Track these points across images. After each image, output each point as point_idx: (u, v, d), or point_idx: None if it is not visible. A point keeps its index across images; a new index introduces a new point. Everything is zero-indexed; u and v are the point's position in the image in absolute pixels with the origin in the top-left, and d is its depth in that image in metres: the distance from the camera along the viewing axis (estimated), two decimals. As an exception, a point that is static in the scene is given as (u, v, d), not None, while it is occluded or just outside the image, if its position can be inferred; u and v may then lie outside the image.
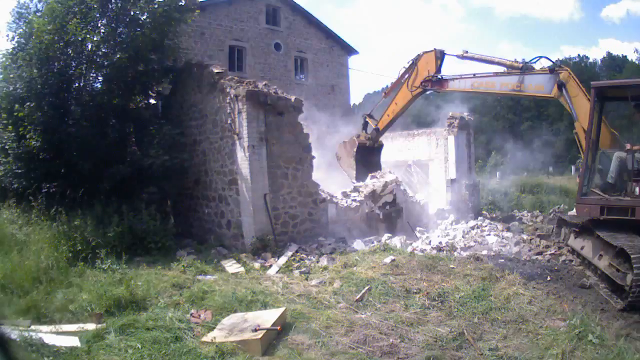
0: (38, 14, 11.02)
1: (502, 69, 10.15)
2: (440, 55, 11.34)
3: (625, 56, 51.12)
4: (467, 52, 10.95)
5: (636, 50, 69.57)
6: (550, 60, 9.29)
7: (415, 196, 14.18)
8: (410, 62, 11.86)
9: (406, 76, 11.91)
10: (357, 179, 13.15)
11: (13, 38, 11.17)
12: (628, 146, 7.36)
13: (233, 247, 10.61)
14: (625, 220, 7.26)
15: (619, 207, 7.25)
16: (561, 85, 8.80)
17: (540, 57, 9.65)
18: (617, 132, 8.52)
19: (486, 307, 6.26)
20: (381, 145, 13.86)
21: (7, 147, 10.76)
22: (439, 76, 11.21)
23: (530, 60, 9.63)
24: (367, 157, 13.49)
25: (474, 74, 10.59)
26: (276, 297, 6.94)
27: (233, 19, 18.32)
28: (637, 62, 42.59)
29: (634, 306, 6.09)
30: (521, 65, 9.62)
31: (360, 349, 5.10)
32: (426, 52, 11.59)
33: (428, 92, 12.08)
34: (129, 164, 10.67)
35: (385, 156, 20.43)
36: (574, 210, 12.04)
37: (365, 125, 13.41)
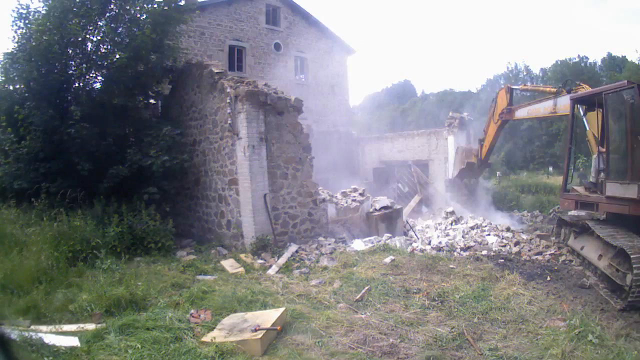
0: (38, 14, 11.01)
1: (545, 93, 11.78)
2: (509, 90, 13.30)
3: (625, 56, 51.08)
4: (524, 84, 13.60)
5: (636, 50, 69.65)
6: (575, 82, 10.76)
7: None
8: (493, 101, 13.98)
9: (493, 111, 13.84)
10: (452, 181, 15.68)
11: (13, 38, 11.16)
12: (600, 149, 8.22)
13: (233, 247, 10.61)
14: (624, 219, 7.31)
15: (588, 202, 8.34)
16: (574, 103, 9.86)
17: (569, 80, 11.42)
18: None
19: (486, 307, 6.25)
20: (485, 166, 15.36)
21: (6, 147, 10.75)
22: (509, 108, 13.13)
23: (563, 84, 11.13)
24: (472, 171, 15.28)
25: (529, 103, 12.52)
26: (276, 297, 6.93)
27: (233, 19, 18.31)
28: (637, 62, 42.54)
29: (633, 306, 6.10)
30: (555, 90, 11.11)
31: (360, 349, 5.10)
32: (501, 89, 13.78)
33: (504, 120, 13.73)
34: (129, 164, 10.67)
35: (386, 156, 20.53)
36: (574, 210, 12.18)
37: (480, 146, 14.79)
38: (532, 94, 14.68)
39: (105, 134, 10.97)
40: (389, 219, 12.32)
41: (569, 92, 10.37)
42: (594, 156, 8.63)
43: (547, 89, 11.74)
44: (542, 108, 11.58)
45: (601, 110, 8.34)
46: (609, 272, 6.89)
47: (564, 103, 10.58)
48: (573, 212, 8.87)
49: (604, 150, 8.11)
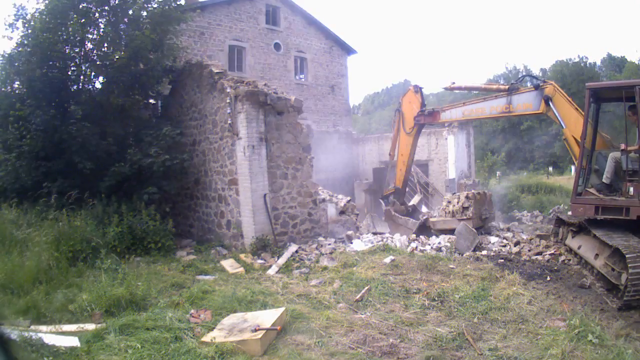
0: (38, 13, 11.01)
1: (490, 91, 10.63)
2: (417, 90, 11.86)
3: (625, 56, 51.11)
4: (454, 83, 11.28)
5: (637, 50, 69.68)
6: (536, 78, 9.70)
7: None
8: (396, 112, 12.51)
9: (399, 126, 12.39)
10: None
11: (13, 37, 11.17)
12: (622, 146, 7.42)
13: (233, 247, 10.62)
14: (620, 220, 7.31)
15: (614, 206, 7.33)
16: (548, 100, 9.10)
17: (524, 75, 10.18)
18: (617, 132, 8.63)
19: (486, 307, 6.25)
20: (413, 207, 14.03)
21: (9, 142, 10.73)
22: (431, 109, 11.59)
23: (515, 81, 10.11)
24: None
25: (464, 102, 10.99)
26: (276, 297, 6.94)
27: (233, 19, 18.30)
28: (637, 62, 42.58)
29: (629, 305, 6.10)
30: (507, 87, 10.00)
31: (360, 349, 5.10)
32: (403, 95, 12.30)
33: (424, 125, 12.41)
34: (130, 164, 10.67)
35: (386, 156, 20.50)
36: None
37: (387, 197, 13.41)
38: (466, 94, 13.66)
39: (105, 133, 10.98)
40: (390, 217, 12.34)
41: (537, 87, 9.36)
42: (610, 154, 7.68)
43: (493, 87, 10.52)
44: (489, 107, 10.35)
45: (626, 104, 7.46)
46: (604, 271, 6.89)
47: (524, 101, 9.66)
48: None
49: (634, 148, 7.29)
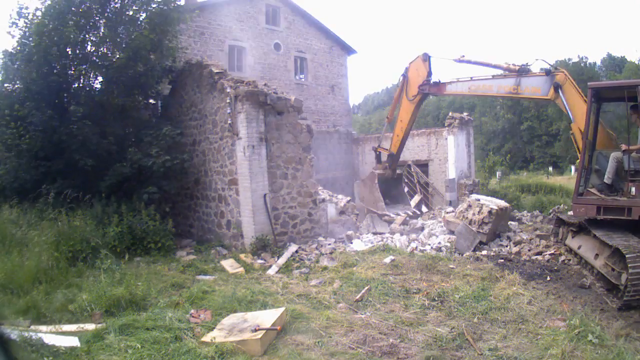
0: (38, 14, 11.02)
1: (499, 71, 10.20)
2: (426, 58, 11.47)
3: (625, 56, 51.09)
4: (463, 56, 10.96)
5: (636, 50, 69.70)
6: (547, 63, 9.36)
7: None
8: (401, 77, 12.07)
9: (402, 91, 12.03)
10: (388, 209, 13.17)
11: (13, 37, 11.17)
12: (624, 147, 7.38)
13: (233, 247, 10.62)
14: (620, 220, 7.28)
15: (616, 207, 7.26)
16: (557, 87, 8.89)
17: (537, 59, 9.81)
18: (617, 132, 8.56)
19: (486, 307, 6.25)
20: (400, 175, 13.68)
21: (8, 141, 10.73)
22: (437, 80, 11.20)
23: (527, 63, 9.69)
24: (389, 189, 13.40)
25: (472, 77, 10.67)
26: (276, 297, 6.94)
27: (233, 19, 18.28)
28: (637, 62, 42.56)
29: (629, 305, 6.10)
30: (518, 68, 9.69)
31: (360, 349, 5.10)
32: (412, 61, 11.87)
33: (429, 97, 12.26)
34: (130, 164, 10.67)
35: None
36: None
37: (378, 156, 13.14)
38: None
39: (105, 134, 10.98)
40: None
41: (548, 73, 9.09)
42: (612, 154, 7.58)
43: (503, 65, 10.09)
44: (496, 86, 10.08)
45: (629, 104, 7.43)
46: (604, 271, 6.89)
47: (533, 84, 9.39)
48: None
49: (636, 147, 7.27)
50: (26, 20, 11.07)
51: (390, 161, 12.75)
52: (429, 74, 11.43)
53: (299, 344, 5.24)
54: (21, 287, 6.60)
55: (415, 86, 11.58)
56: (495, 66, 10.33)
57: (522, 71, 9.59)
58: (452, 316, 6.10)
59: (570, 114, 8.66)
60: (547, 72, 9.12)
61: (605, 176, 7.59)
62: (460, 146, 17.27)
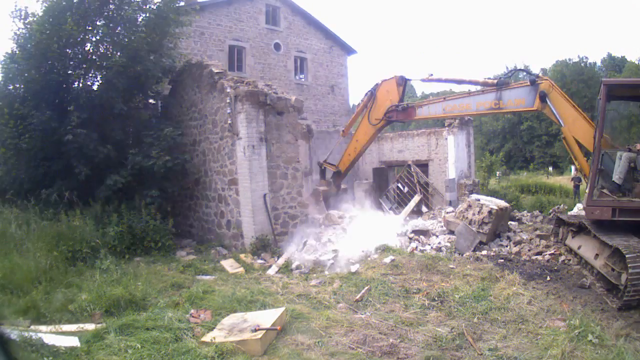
0: (40, 11, 11.02)
1: (475, 88, 9.61)
2: (401, 82, 10.53)
3: (625, 56, 51.10)
4: (431, 74, 10.26)
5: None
6: (528, 73, 9.02)
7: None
8: (368, 94, 11.03)
9: (365, 110, 11.03)
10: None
11: (13, 38, 11.17)
12: (638, 146, 7.23)
13: (233, 247, 10.61)
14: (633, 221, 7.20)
15: (632, 208, 7.01)
16: (544, 97, 8.59)
17: (516, 69, 9.40)
18: (617, 132, 8.51)
19: (486, 307, 6.25)
20: (345, 189, 12.90)
21: (8, 141, 10.73)
22: (405, 104, 10.39)
23: (505, 75, 9.34)
24: (335, 203, 12.39)
25: (444, 97, 9.97)
26: (276, 297, 6.94)
27: (233, 19, 18.30)
28: (637, 62, 42.58)
29: (629, 305, 6.10)
30: (496, 81, 9.23)
31: (360, 349, 5.10)
32: (385, 80, 10.86)
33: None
34: (130, 166, 10.64)
35: (386, 156, 20.53)
36: (574, 210, 12.07)
37: (323, 172, 12.36)
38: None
39: (104, 135, 10.96)
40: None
41: (532, 82, 8.65)
42: (624, 154, 7.24)
43: (479, 80, 9.49)
44: (475, 103, 9.39)
45: None
46: (604, 271, 6.88)
47: (516, 97, 8.90)
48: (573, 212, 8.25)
49: None
50: (25, 21, 11.06)
51: (335, 178, 12.03)
52: (401, 99, 10.56)
53: (299, 344, 5.24)
54: (21, 287, 6.60)
55: (381, 109, 10.63)
56: (470, 82, 9.68)
57: (502, 84, 9.12)
58: (452, 316, 6.10)
59: (560, 120, 8.41)
60: (532, 82, 8.72)
61: (616, 176, 7.31)
62: (460, 146, 17.26)
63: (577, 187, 18.49)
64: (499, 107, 9.18)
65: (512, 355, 4.90)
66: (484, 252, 9.61)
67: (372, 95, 10.86)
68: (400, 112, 10.36)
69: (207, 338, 5.20)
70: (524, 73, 9.29)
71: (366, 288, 7.13)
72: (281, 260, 9.29)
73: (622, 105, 8.58)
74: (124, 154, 10.89)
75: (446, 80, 10.15)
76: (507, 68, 53.92)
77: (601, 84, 7.34)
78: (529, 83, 8.80)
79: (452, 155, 17.13)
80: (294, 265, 9.03)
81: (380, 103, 10.62)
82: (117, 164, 10.74)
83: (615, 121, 9.75)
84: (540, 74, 9.19)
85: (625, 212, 7.06)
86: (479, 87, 9.55)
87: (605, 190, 7.37)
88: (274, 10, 19.88)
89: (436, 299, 6.69)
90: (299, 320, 5.93)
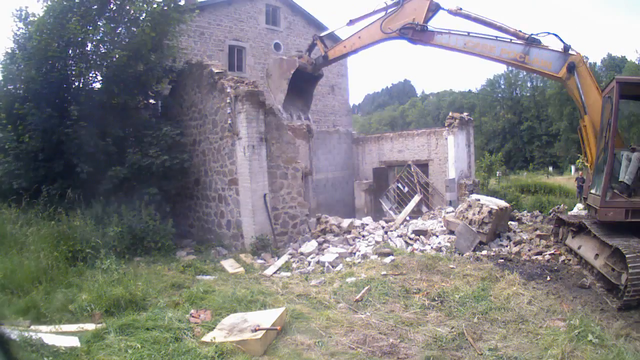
0: (38, 13, 11.03)
1: (503, 35, 8.90)
2: (434, 8, 9.53)
3: (625, 56, 51.13)
4: (461, 9, 9.32)
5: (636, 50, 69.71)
6: (562, 40, 8.30)
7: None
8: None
9: (384, 12, 9.90)
10: (284, 106, 10.87)
11: (13, 38, 11.17)
12: None
13: (233, 247, 10.62)
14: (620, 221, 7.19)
15: None
16: (572, 68, 7.99)
17: (549, 33, 8.43)
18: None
19: (486, 307, 6.25)
20: (320, 76, 11.69)
21: (6, 146, 10.75)
22: (425, 25, 9.40)
23: (538, 34, 8.50)
24: (302, 84, 11.11)
25: (469, 32, 9.08)
26: (276, 297, 6.93)
27: (233, 19, 18.31)
28: (637, 62, 42.56)
29: (629, 305, 6.10)
30: (527, 36, 8.51)
31: (360, 349, 5.10)
32: None
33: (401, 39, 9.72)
34: (129, 165, 10.66)
35: (386, 156, 20.53)
36: (573, 210, 12.07)
37: (311, 47, 11.21)
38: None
39: (104, 134, 10.97)
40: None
41: (566, 50, 8.11)
42: (634, 154, 7.04)
43: (510, 29, 8.80)
44: (500, 49, 8.75)
45: None
46: (604, 271, 6.88)
47: (543, 57, 8.34)
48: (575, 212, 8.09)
49: None
50: (26, 21, 11.06)
51: (320, 62, 10.93)
52: (426, 19, 9.47)
53: (299, 344, 5.24)
54: (21, 287, 6.59)
55: (400, 22, 9.55)
56: (499, 28, 8.95)
57: (532, 40, 8.45)
58: (452, 316, 6.09)
59: (583, 100, 7.83)
60: (566, 49, 8.11)
61: (626, 176, 7.09)
62: (460, 146, 17.26)
63: (580, 187, 18.45)
64: (524, 62, 8.55)
65: (512, 355, 4.90)
66: (484, 252, 9.61)
67: (399, 2, 9.72)
68: (418, 31, 9.41)
69: (207, 338, 5.20)
70: (556, 38, 8.34)
71: (366, 288, 7.13)
72: (281, 261, 9.29)
73: (622, 105, 8.50)
74: (124, 152, 10.89)
75: (475, 19, 9.14)
76: (507, 68, 53.82)
77: (614, 81, 7.10)
78: (562, 50, 8.22)
79: (452, 155, 17.13)
80: (294, 265, 9.04)
81: (402, 15, 9.55)
82: (117, 163, 10.74)
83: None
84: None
85: (638, 213, 6.91)
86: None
87: (616, 191, 7.19)
88: (274, 10, 19.87)
89: (436, 299, 6.69)
90: (299, 320, 5.93)
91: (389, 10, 9.80)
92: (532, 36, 8.45)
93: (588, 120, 7.86)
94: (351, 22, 10.45)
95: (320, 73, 11.58)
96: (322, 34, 11.32)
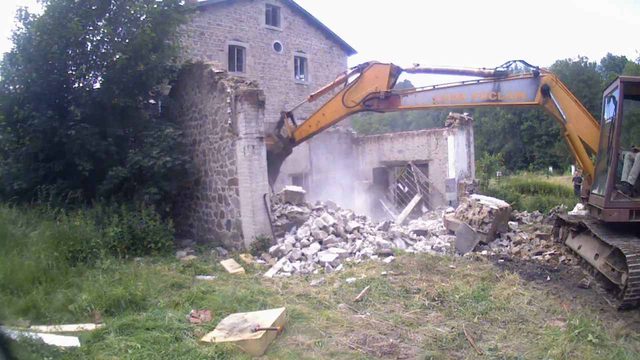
0: (38, 14, 11.02)
1: (470, 78, 8.91)
2: (395, 73, 9.44)
3: (625, 56, 51.08)
4: (418, 64, 9.19)
5: (636, 50, 69.66)
6: (527, 64, 8.32)
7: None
8: (354, 69, 9.89)
9: (343, 85, 9.90)
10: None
11: (13, 38, 11.16)
12: None
13: (233, 247, 10.62)
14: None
15: None
16: (546, 90, 8.07)
17: (513, 60, 8.58)
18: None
19: (486, 307, 6.25)
20: (290, 152, 11.64)
21: (6, 147, 10.75)
22: (388, 92, 9.30)
23: (502, 65, 8.52)
24: (273, 158, 11.12)
25: (434, 86, 8.99)
26: (276, 297, 6.94)
27: (233, 19, 18.29)
28: (637, 62, 42.55)
29: (629, 305, 6.10)
30: (492, 72, 8.52)
31: (360, 349, 5.10)
32: (378, 63, 9.66)
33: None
34: (130, 165, 10.65)
35: (386, 156, 20.53)
36: (574, 210, 12.07)
37: (280, 124, 11.19)
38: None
39: (105, 134, 10.97)
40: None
41: (536, 74, 8.02)
42: (637, 155, 7.01)
43: (474, 70, 8.65)
44: (470, 94, 8.61)
45: None
46: (604, 271, 6.88)
47: (516, 89, 8.27)
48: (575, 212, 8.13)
49: None
50: (26, 21, 11.05)
51: (287, 143, 10.96)
52: (387, 91, 9.32)
53: (299, 344, 5.24)
54: (21, 287, 6.59)
55: (362, 93, 9.46)
56: (463, 72, 8.85)
57: (499, 74, 8.42)
58: (452, 316, 6.10)
59: (564, 115, 7.98)
60: (535, 73, 8.13)
61: (629, 177, 7.04)
62: (460, 146, 17.26)
63: (577, 187, 18.42)
64: (497, 100, 8.49)
65: (512, 355, 4.90)
66: (484, 252, 9.61)
67: (358, 72, 9.61)
68: (383, 100, 9.23)
69: (207, 338, 5.20)
70: (523, 65, 8.47)
71: (366, 288, 7.13)
72: (282, 260, 9.28)
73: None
74: (125, 152, 10.89)
75: (436, 71, 9.00)
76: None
77: (618, 80, 7.11)
78: (531, 75, 8.19)
79: (452, 155, 17.13)
80: (294, 265, 9.03)
81: (364, 86, 9.44)
82: (118, 162, 10.75)
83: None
84: (539, 67, 8.42)
85: None
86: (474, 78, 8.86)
87: (619, 192, 7.17)
88: (274, 10, 19.86)
89: (436, 299, 6.69)
90: (299, 320, 5.93)
91: (349, 81, 9.70)
92: (498, 70, 8.42)
93: (570, 128, 7.95)
94: (311, 97, 10.69)
95: (290, 151, 11.48)
96: (290, 109, 11.38)
